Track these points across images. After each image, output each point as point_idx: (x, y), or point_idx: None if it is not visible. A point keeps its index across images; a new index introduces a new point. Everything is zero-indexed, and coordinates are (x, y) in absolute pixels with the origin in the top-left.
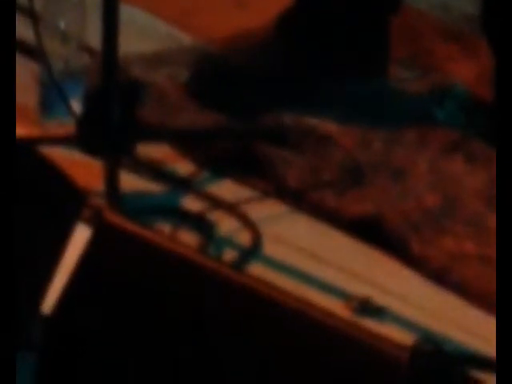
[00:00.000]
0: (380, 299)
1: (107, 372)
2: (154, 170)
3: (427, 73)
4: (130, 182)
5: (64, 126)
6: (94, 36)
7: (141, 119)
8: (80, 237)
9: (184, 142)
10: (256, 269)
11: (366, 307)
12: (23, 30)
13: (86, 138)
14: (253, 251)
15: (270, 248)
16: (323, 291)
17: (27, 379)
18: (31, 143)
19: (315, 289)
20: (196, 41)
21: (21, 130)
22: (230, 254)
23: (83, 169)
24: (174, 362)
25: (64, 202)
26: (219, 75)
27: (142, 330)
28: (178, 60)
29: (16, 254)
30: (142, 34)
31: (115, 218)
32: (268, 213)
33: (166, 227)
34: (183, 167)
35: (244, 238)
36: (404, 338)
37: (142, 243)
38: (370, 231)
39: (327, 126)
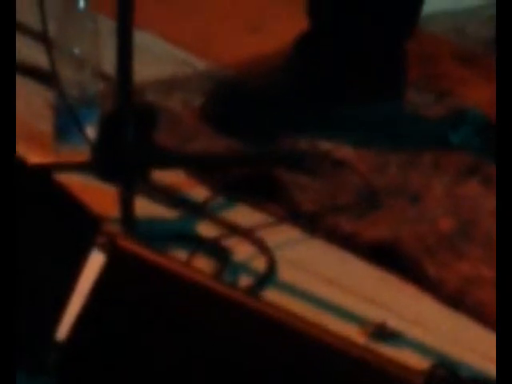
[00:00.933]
0: (395, 324)
1: None
2: (169, 196)
3: (442, 97)
4: (144, 207)
5: (79, 152)
6: (108, 62)
7: (156, 145)
8: (95, 263)
9: (199, 167)
10: (271, 294)
11: (382, 332)
12: (38, 56)
13: (101, 165)
14: (268, 277)
15: (285, 273)
16: (339, 316)
17: None
18: (46, 170)
19: (330, 314)
20: (210, 66)
21: (36, 157)
22: (245, 280)
23: (98, 195)
24: None
25: (79, 228)
26: (234, 100)
27: (157, 355)
28: (192, 85)
29: (31, 279)
30: (157, 60)
31: (130, 244)
32: (283, 238)
33: (181, 253)
34: (198, 193)
35: (259, 263)
36: (419, 362)
37: (157, 269)
38: (386, 255)
39: (342, 150)
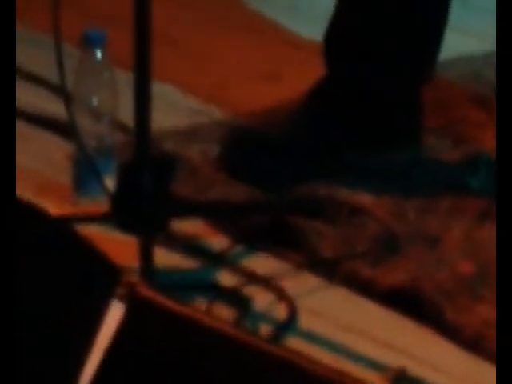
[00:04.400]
0: (415, 369)
1: None
2: (188, 245)
3: (460, 141)
4: (164, 257)
5: (98, 203)
6: (126, 113)
7: (174, 194)
8: (115, 314)
9: (217, 216)
10: (292, 342)
11: (402, 378)
12: (56, 108)
13: (120, 215)
14: (289, 325)
15: (305, 321)
16: (359, 363)
17: None
18: (65, 221)
19: (351, 361)
20: (227, 115)
21: (55, 209)
22: (265, 328)
23: (118, 245)
24: None
25: (99, 279)
26: (251, 149)
27: None
28: (210, 134)
29: (50, 331)
30: (174, 109)
31: (150, 294)
32: (303, 286)
33: (201, 302)
34: (217, 242)
35: (280, 311)
36: None
37: (178, 319)
38: (405, 301)
39: (360, 196)
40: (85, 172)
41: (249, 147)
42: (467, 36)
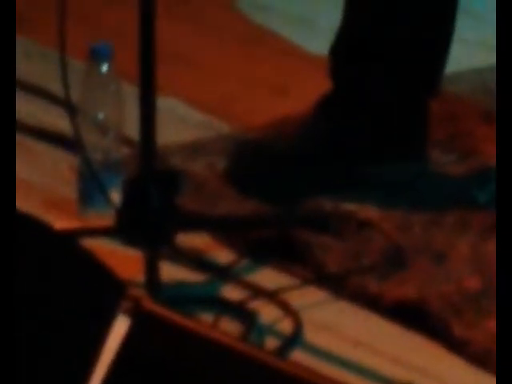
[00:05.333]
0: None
1: None
2: (194, 259)
3: (467, 155)
4: (170, 271)
5: (103, 217)
6: (132, 126)
7: (180, 208)
8: (120, 328)
9: (223, 230)
10: (298, 356)
11: None
12: (61, 122)
13: (126, 229)
14: (294, 339)
15: (311, 335)
16: (366, 377)
17: None
18: (71, 235)
19: (358, 375)
20: (234, 129)
21: (61, 222)
22: (271, 342)
23: (123, 259)
24: None
25: (104, 293)
26: (258, 163)
27: None
28: (216, 148)
29: (54, 345)
30: (180, 123)
31: (155, 308)
32: (309, 300)
33: (206, 316)
34: (223, 256)
35: (285, 325)
36: None
37: (183, 333)
38: (412, 315)
39: (367, 210)
40: (90, 186)
41: (255, 161)
42: (475, 48)
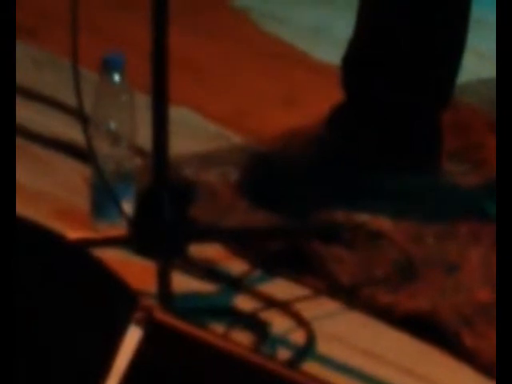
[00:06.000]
0: None
1: None
2: (207, 270)
3: (478, 166)
4: (182, 282)
5: (116, 227)
6: (144, 137)
7: (193, 219)
8: (132, 338)
9: (236, 241)
10: (310, 367)
11: None
12: (74, 132)
13: (138, 240)
14: (307, 350)
15: (323, 346)
16: None
17: None
18: (84, 245)
19: None
20: (246, 140)
21: (73, 233)
22: (284, 353)
23: (136, 270)
24: None
25: (116, 303)
26: (270, 174)
27: None
28: (228, 159)
29: (66, 356)
30: (192, 134)
31: (167, 319)
32: (321, 311)
33: (219, 327)
34: (235, 266)
35: (298, 336)
36: None
37: (196, 343)
38: (424, 327)
39: (379, 221)
40: (103, 196)
41: (267, 172)
42: (487, 59)
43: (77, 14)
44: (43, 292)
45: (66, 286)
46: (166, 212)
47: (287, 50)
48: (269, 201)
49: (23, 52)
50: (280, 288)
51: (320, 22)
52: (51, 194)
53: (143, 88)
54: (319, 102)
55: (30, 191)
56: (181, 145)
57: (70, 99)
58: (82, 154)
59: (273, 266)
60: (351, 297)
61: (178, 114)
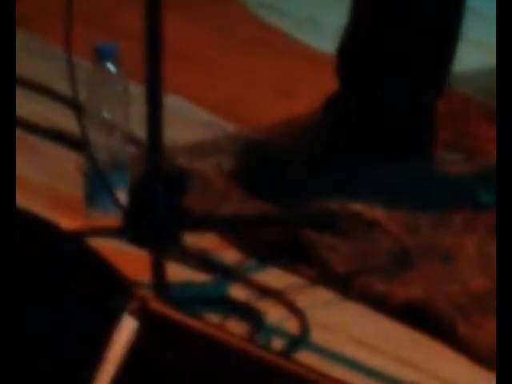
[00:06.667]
0: None
1: None
2: (201, 260)
3: (472, 155)
4: (176, 271)
5: (110, 217)
6: (138, 126)
7: (187, 208)
8: (126, 328)
9: (230, 230)
10: (304, 357)
11: None
12: (68, 121)
13: (132, 229)
14: (301, 339)
15: (317, 335)
16: (371, 377)
17: None
18: (77, 235)
19: (364, 375)
20: (240, 129)
21: (67, 222)
22: (278, 342)
23: (130, 260)
24: None
25: (110, 293)
26: (264, 163)
27: None
28: (222, 148)
29: (60, 345)
30: (187, 123)
31: (162, 309)
32: (315, 300)
33: (213, 317)
34: (230, 256)
35: (292, 325)
36: None
37: (190, 333)
38: (418, 316)
39: (373, 211)
40: (96, 185)
41: (262, 161)
42: (482, 49)
43: (71, 2)
44: (37, 281)
45: (61, 275)
46: (160, 201)
47: (282, 39)
48: (263, 190)
49: (17, 41)
50: (274, 277)
51: (314, 11)
52: (45, 183)
53: (138, 77)
54: (313, 91)
55: (24, 180)
56: (175, 134)
57: (64, 88)
58: (76, 143)
59: (267, 255)
60: (346, 286)
61: (173, 103)
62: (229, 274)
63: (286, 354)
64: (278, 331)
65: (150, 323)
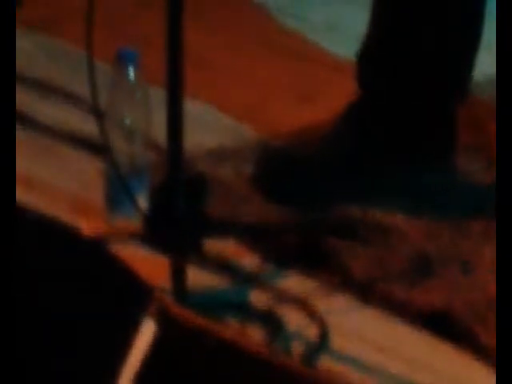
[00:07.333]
0: None
1: None
2: (221, 265)
3: (493, 163)
4: (196, 277)
5: (131, 222)
6: (159, 132)
7: (207, 214)
8: (146, 333)
9: (250, 236)
10: (324, 362)
11: None
12: (89, 127)
13: (153, 234)
14: (321, 345)
15: (337, 341)
16: (391, 383)
17: None
18: (98, 240)
19: (383, 381)
20: (261, 135)
21: (88, 227)
22: (298, 348)
23: (150, 264)
24: None
25: (131, 297)
26: (284, 169)
27: None
28: (243, 154)
29: (82, 348)
30: (207, 129)
31: (181, 313)
32: (335, 306)
33: (233, 322)
34: (249, 261)
35: (312, 331)
36: None
37: (210, 338)
38: (438, 323)
39: (394, 217)
40: (117, 191)
41: (282, 167)
42: None
43: (93, 7)
44: (58, 285)
45: (81, 280)
46: (180, 207)
47: (304, 46)
48: (283, 196)
49: (38, 45)
50: (294, 283)
51: (335, 17)
52: (66, 189)
53: (158, 82)
54: (334, 97)
55: (46, 186)
56: (196, 139)
57: (85, 93)
58: (97, 149)
59: (287, 260)
60: (366, 292)
61: (193, 108)
62: (248, 279)
63: (306, 359)
64: (297, 337)
65: (169, 327)
